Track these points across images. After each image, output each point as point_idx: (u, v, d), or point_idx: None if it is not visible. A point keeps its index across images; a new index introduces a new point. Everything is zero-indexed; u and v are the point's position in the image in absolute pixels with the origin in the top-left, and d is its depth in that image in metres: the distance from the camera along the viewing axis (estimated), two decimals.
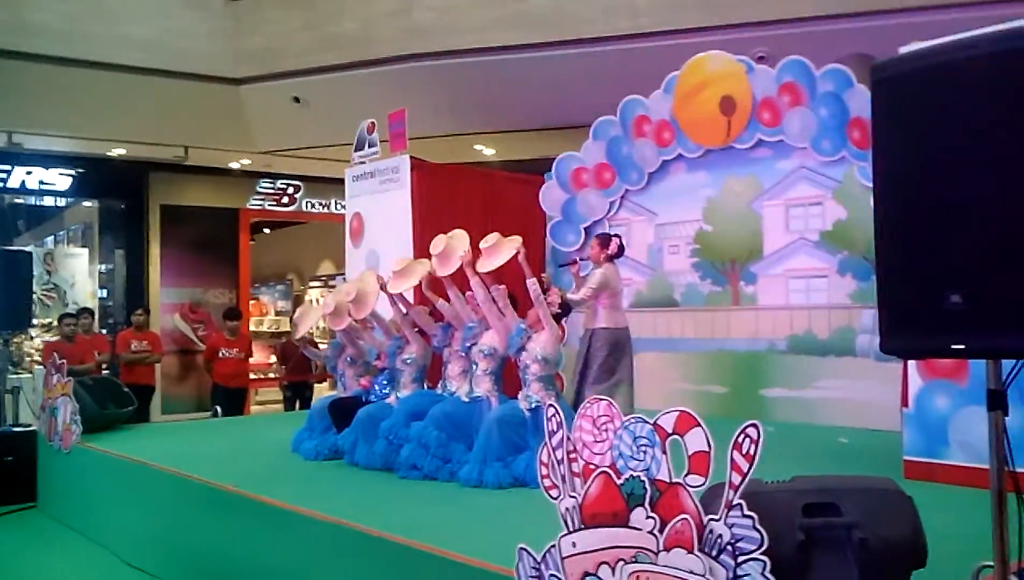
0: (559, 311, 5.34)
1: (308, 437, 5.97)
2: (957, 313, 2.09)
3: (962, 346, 2.16)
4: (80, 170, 12.36)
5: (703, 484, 2.52)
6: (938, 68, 2.11)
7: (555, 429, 2.94)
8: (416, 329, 5.78)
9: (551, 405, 2.98)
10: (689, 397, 7.21)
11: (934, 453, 4.64)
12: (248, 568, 4.57)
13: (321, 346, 7.64)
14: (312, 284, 19.05)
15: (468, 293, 5.36)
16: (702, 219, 7.75)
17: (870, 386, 6.36)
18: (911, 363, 4.77)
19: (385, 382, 5.92)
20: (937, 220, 2.11)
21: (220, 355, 9.76)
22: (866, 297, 6.53)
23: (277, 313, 18.50)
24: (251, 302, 15.62)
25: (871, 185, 2.42)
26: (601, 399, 2.92)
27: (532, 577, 2.88)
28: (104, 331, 12.14)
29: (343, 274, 9.01)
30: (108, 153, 12.07)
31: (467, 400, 5.19)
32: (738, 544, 2.39)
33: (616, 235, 6.71)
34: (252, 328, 14.94)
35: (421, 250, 7.81)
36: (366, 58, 9.41)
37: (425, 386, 5.85)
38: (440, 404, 5.20)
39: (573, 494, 2.80)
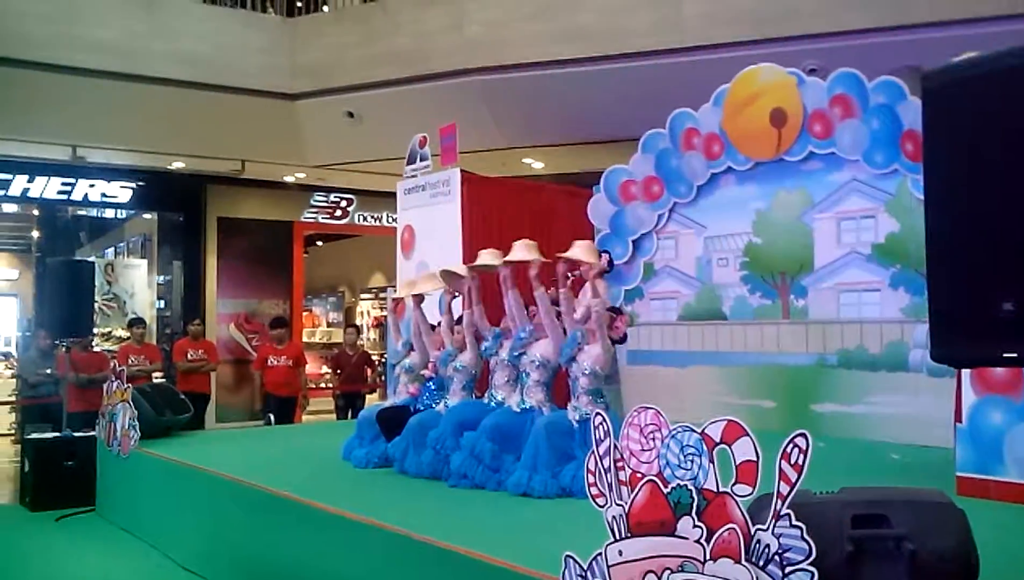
0: (622, 337, 5.32)
1: (358, 445, 6.04)
2: (1009, 321, 2.07)
3: (1014, 354, 2.14)
4: (140, 183, 12.69)
5: (751, 494, 2.52)
6: (989, 76, 2.10)
7: (602, 437, 2.97)
8: (474, 333, 5.79)
9: (598, 413, 3.01)
10: (737, 411, 7.04)
11: (988, 469, 4.55)
12: (301, 572, 4.65)
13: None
14: (363, 296, 19.30)
15: (532, 308, 5.42)
16: (752, 232, 7.69)
17: (923, 402, 6.25)
18: (965, 378, 4.70)
19: (434, 389, 5.97)
20: (988, 227, 2.09)
21: (269, 363, 9.92)
22: (919, 311, 6.41)
23: (329, 324, 18.78)
24: (304, 313, 15.86)
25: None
26: (648, 408, 2.94)
27: None
28: (154, 341, 12.43)
29: (394, 286, 9.12)
30: (167, 166, 12.37)
31: (518, 411, 5.17)
32: (786, 554, 2.38)
33: (605, 251, 6.77)
34: (305, 339, 15.16)
35: (470, 261, 7.90)
36: (419, 73, 9.55)
37: (474, 395, 5.88)
38: (492, 415, 5.18)
39: (620, 502, 2.82)
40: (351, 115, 10.37)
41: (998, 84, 2.09)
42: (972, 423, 4.66)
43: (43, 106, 9.81)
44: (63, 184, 12.18)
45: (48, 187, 12.10)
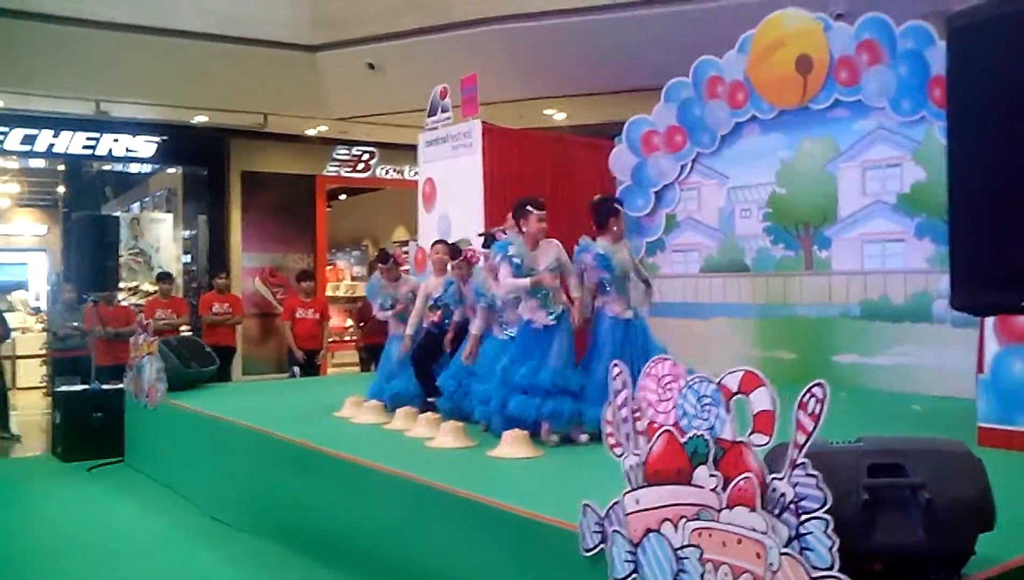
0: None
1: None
2: None
3: None
4: (164, 137, 12.71)
5: (767, 443, 2.53)
6: (1015, 16, 2.05)
7: (620, 388, 2.98)
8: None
9: (615, 364, 3.01)
10: (758, 363, 7.03)
11: (1010, 420, 4.53)
12: (325, 521, 4.73)
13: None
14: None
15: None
16: (775, 182, 7.62)
17: (946, 353, 6.21)
18: (988, 328, 4.66)
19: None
20: (1012, 171, 2.05)
21: (297, 315, 10.00)
22: (944, 261, 6.28)
23: (353, 278, 18.84)
24: (328, 267, 15.92)
25: None
26: (665, 359, 2.94)
27: (596, 532, 2.93)
28: (181, 295, 12.54)
29: (415, 239, 9.11)
30: (191, 120, 12.37)
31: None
32: (801, 503, 2.39)
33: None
34: (328, 293, 15.25)
35: (491, 214, 7.89)
36: (438, 23, 9.45)
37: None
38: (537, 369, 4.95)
39: (637, 452, 2.84)
40: (372, 66, 10.29)
41: None
42: (995, 373, 4.63)
43: (66, 60, 9.82)
44: (88, 139, 12.23)
45: (73, 142, 12.16)
